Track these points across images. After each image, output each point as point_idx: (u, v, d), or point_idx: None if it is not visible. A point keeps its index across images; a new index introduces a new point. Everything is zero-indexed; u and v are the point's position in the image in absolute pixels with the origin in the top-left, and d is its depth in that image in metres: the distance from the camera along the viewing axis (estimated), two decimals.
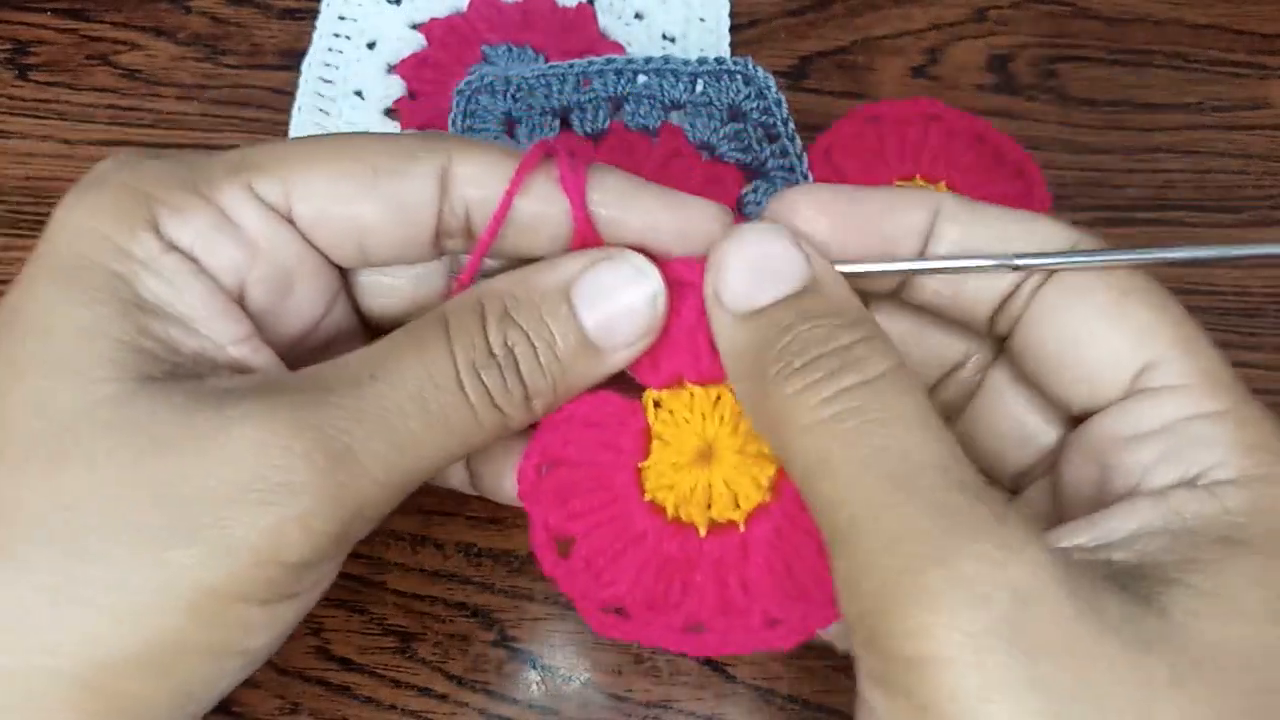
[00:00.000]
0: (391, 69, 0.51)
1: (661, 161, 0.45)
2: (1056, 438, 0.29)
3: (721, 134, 0.45)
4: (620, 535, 0.29)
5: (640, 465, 0.29)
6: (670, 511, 0.29)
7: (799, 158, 0.45)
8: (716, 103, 0.46)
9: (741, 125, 0.46)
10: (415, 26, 0.52)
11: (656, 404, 0.30)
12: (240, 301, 0.27)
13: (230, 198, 0.26)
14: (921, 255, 0.28)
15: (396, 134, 0.28)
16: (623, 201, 0.28)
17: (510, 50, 0.50)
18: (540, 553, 0.29)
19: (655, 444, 0.30)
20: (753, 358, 0.26)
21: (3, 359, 0.24)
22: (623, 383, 0.30)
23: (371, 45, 0.52)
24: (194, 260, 0.26)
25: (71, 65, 0.51)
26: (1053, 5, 0.55)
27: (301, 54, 0.51)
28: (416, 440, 0.25)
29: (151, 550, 0.22)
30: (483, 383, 0.26)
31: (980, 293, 0.28)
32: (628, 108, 0.46)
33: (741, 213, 0.44)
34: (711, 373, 0.29)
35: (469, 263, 0.28)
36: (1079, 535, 0.24)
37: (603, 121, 0.46)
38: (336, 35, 0.52)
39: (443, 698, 0.38)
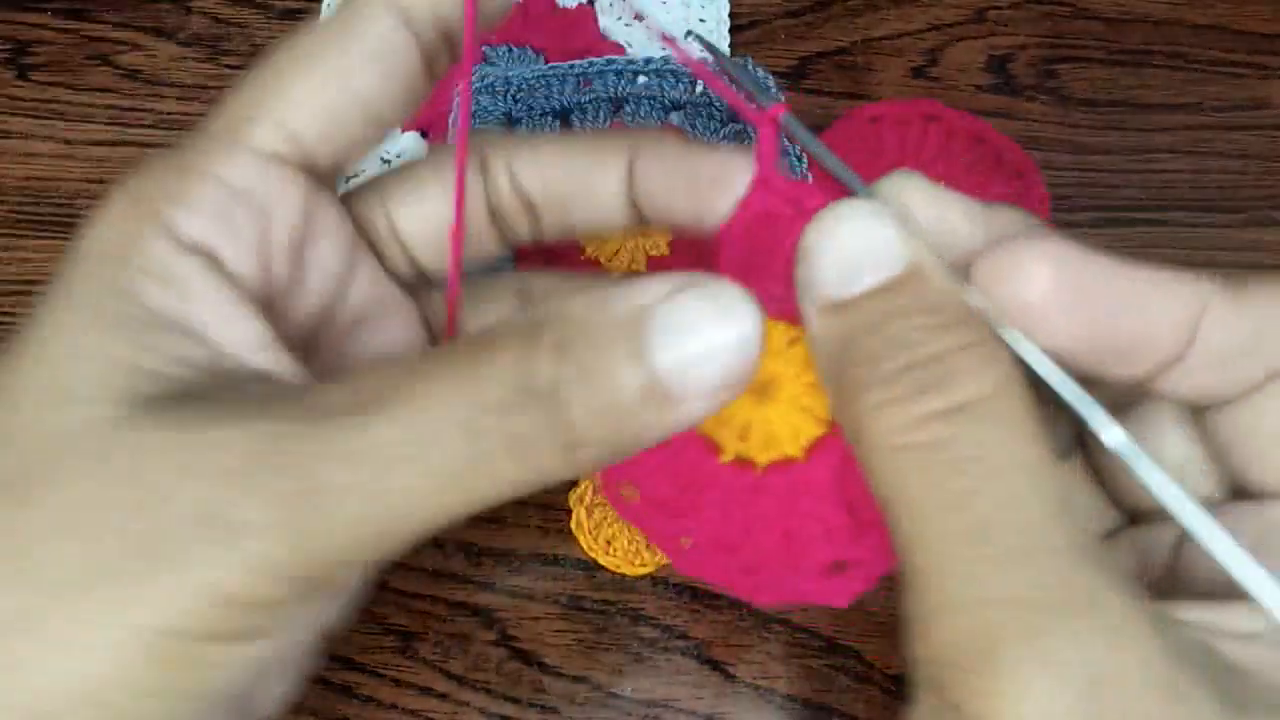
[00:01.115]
0: None
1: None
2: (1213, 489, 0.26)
3: (722, 134, 0.45)
4: (677, 475, 0.27)
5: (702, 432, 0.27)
6: (729, 449, 0.27)
7: (799, 158, 0.45)
8: (716, 103, 0.46)
9: (741, 125, 0.46)
10: None
11: None
12: (262, 285, 0.26)
13: (236, 169, 0.25)
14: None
15: (328, 16, 0.27)
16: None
17: (510, 50, 0.50)
18: (609, 497, 0.27)
19: None
20: (836, 357, 0.23)
21: (9, 387, 0.23)
22: None
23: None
24: (211, 256, 0.25)
25: (71, 65, 0.51)
26: (1053, 5, 0.55)
27: None
28: (407, 492, 0.21)
29: (105, 584, 0.21)
30: (514, 429, 0.21)
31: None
32: (628, 108, 0.46)
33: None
34: (786, 309, 0.26)
35: (464, 43, 0.27)
36: (1198, 612, 0.21)
37: (603, 122, 0.46)
38: None
39: (443, 697, 0.38)
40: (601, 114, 0.46)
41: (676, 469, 0.27)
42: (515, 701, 0.38)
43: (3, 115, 0.50)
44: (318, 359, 0.29)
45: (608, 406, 0.22)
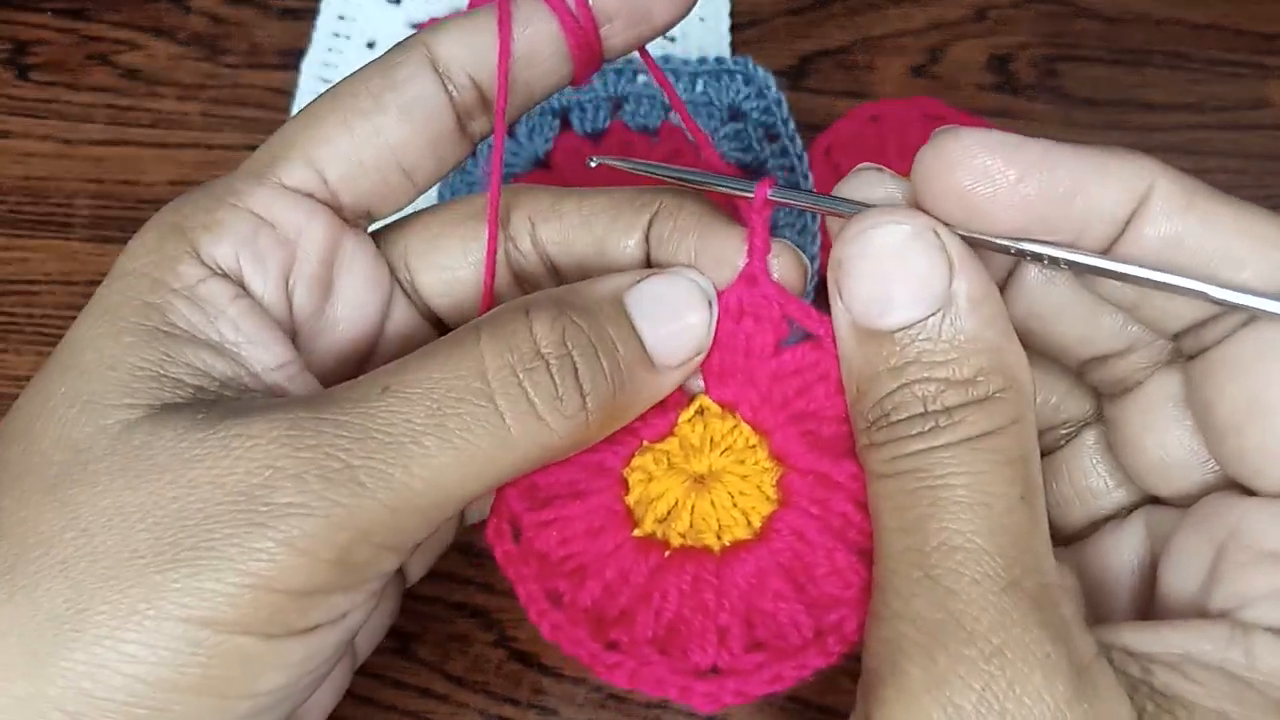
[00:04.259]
0: None
1: (661, 161, 0.45)
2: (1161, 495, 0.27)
3: (722, 134, 0.45)
4: (578, 536, 0.26)
5: (626, 501, 0.27)
6: (646, 525, 0.27)
7: (799, 157, 0.45)
8: (716, 102, 0.46)
9: (741, 125, 0.46)
10: (415, 26, 0.52)
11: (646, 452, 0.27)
12: (288, 310, 0.27)
13: (261, 200, 0.26)
14: (1110, 248, 0.23)
15: (369, 62, 0.28)
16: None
17: None
18: (532, 608, 0.25)
19: (636, 476, 0.27)
20: (858, 378, 0.24)
21: (42, 391, 0.24)
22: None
23: (371, 45, 0.52)
24: (237, 278, 0.26)
25: (71, 65, 0.51)
26: (1053, 5, 0.55)
27: (301, 54, 0.51)
28: (429, 459, 0.22)
29: (147, 577, 0.21)
30: (523, 390, 0.23)
31: (1174, 305, 0.24)
32: (628, 107, 0.46)
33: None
34: (757, 415, 0.27)
35: (496, 102, 0.27)
36: (1130, 639, 0.22)
37: (603, 121, 0.46)
38: (336, 35, 0.52)
39: (443, 698, 0.38)
40: (601, 113, 0.46)
41: (586, 525, 0.27)
42: (514, 703, 0.38)
43: (3, 115, 0.50)
44: None
45: (614, 369, 0.24)
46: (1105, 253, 0.23)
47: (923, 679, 0.21)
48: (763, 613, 0.25)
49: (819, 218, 0.43)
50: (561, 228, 0.29)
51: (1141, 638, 0.22)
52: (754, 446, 0.27)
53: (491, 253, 0.29)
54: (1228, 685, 0.21)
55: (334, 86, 0.28)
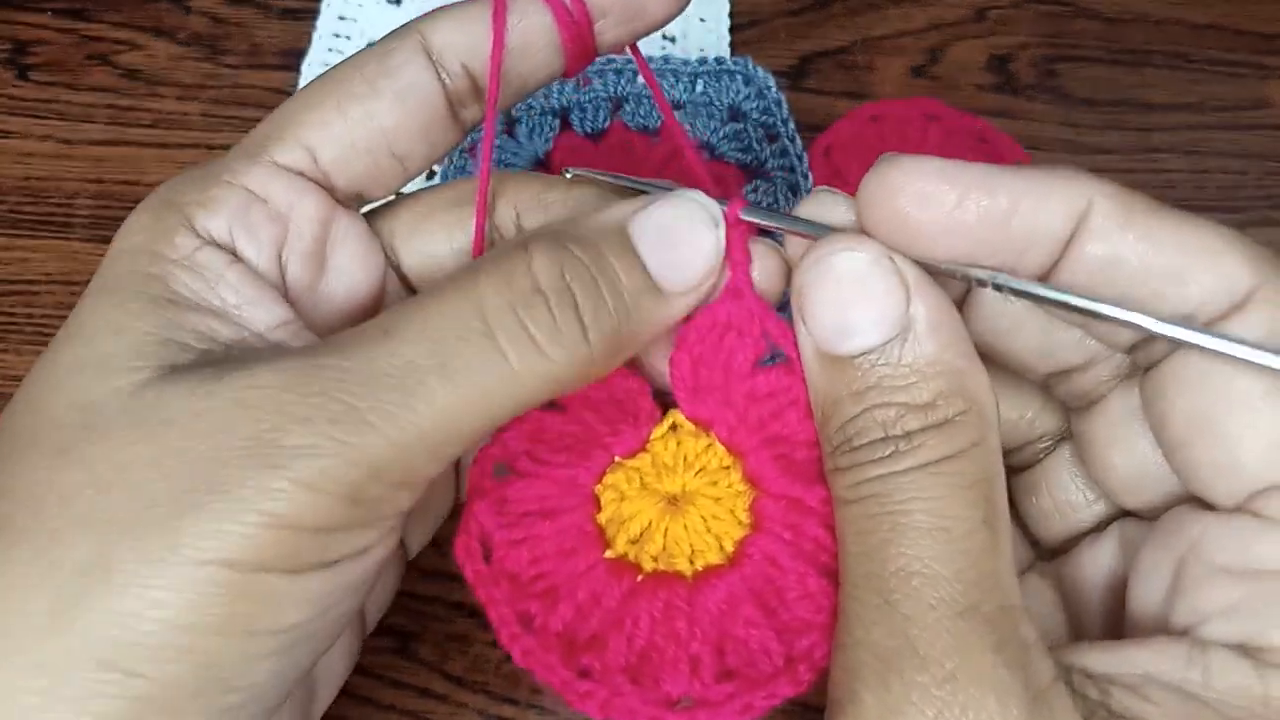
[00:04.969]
0: None
1: (661, 161, 0.45)
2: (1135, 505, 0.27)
3: (721, 134, 0.45)
4: (548, 556, 0.26)
5: (598, 520, 0.27)
6: (618, 546, 0.27)
7: (799, 158, 0.45)
8: (716, 103, 0.46)
9: (741, 125, 0.46)
10: None
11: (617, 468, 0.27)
12: (282, 283, 0.27)
13: (254, 177, 0.27)
14: (1052, 269, 0.23)
15: (364, 48, 0.29)
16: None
17: None
18: (503, 631, 0.25)
19: (608, 495, 0.27)
20: (822, 403, 0.24)
21: (50, 363, 0.25)
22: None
23: (371, 45, 0.52)
24: (231, 250, 0.26)
25: (71, 65, 0.51)
26: (1053, 5, 0.55)
27: (301, 54, 0.51)
28: (434, 397, 0.23)
29: (167, 522, 0.22)
30: (523, 325, 0.23)
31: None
32: (628, 107, 0.46)
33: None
34: (733, 436, 0.27)
35: (488, 93, 0.28)
36: (1091, 659, 0.22)
37: (603, 121, 0.46)
38: (336, 35, 0.52)
39: (442, 698, 0.38)
40: (601, 113, 0.46)
41: (557, 545, 0.26)
42: (514, 703, 0.38)
43: (3, 115, 0.50)
44: None
45: (616, 299, 0.24)
46: (1048, 274, 0.23)
47: (877, 707, 0.21)
48: (734, 640, 0.25)
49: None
50: (546, 218, 0.29)
51: (1102, 659, 0.22)
52: (727, 468, 0.27)
53: (479, 243, 0.29)
54: (1183, 706, 0.21)
55: (329, 70, 0.28)
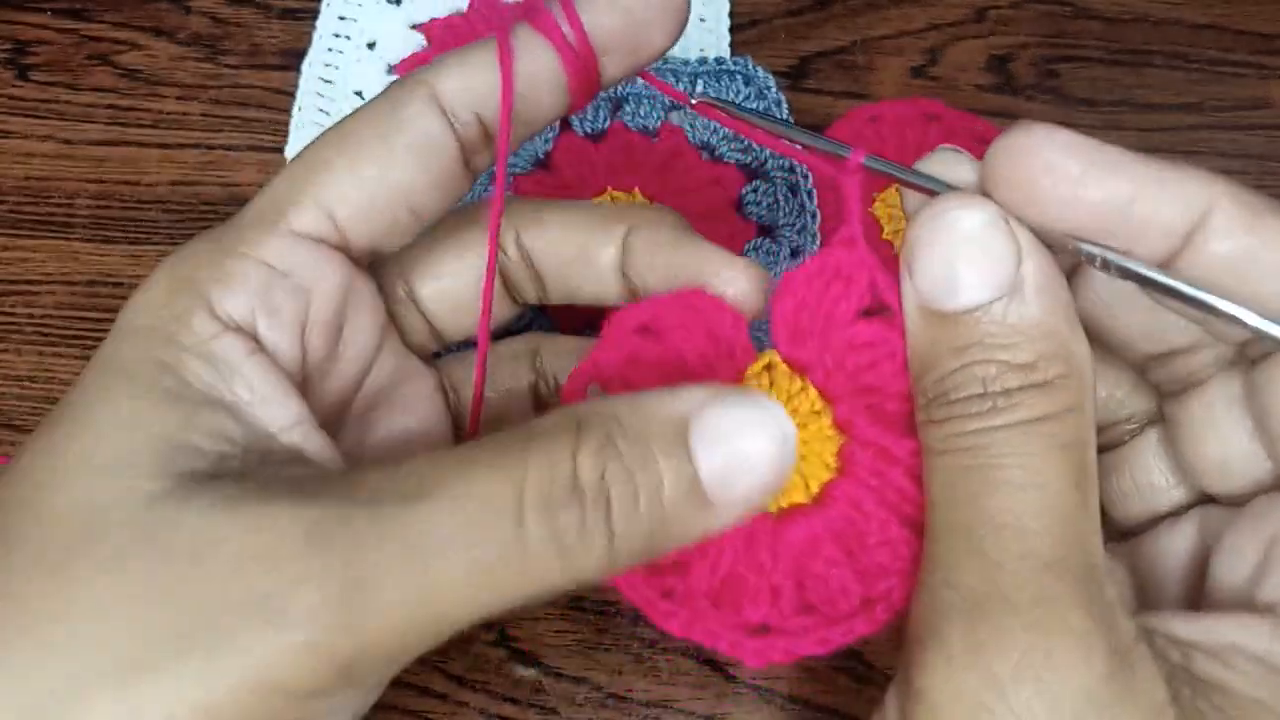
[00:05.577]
0: (391, 69, 0.51)
1: (661, 161, 0.45)
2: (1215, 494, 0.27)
3: (721, 134, 0.45)
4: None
5: None
6: None
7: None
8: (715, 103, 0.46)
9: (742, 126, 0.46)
10: (415, 26, 0.52)
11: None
12: (301, 362, 0.27)
13: (273, 249, 0.26)
14: (1171, 260, 0.23)
15: (370, 101, 0.28)
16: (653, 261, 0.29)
17: None
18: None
19: None
20: (921, 359, 0.25)
21: (50, 455, 0.23)
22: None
23: (371, 45, 0.52)
24: (252, 332, 0.25)
25: (71, 65, 0.51)
26: (1053, 5, 0.55)
27: (301, 54, 0.51)
28: (451, 587, 0.22)
29: (153, 667, 0.21)
30: (554, 528, 0.22)
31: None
32: (628, 108, 0.46)
33: (740, 214, 0.44)
34: (829, 381, 0.27)
35: (498, 142, 0.28)
36: (1174, 625, 0.23)
37: (603, 121, 0.46)
38: (336, 35, 0.52)
39: (442, 697, 0.38)
40: (601, 114, 0.46)
41: None
42: (515, 702, 0.38)
43: (3, 115, 0.50)
44: (344, 432, 0.30)
45: (652, 510, 0.23)
46: (1166, 264, 0.23)
47: (963, 645, 0.21)
48: (814, 577, 0.26)
49: (819, 219, 0.43)
50: (544, 234, 0.30)
51: (1185, 626, 0.23)
52: (818, 413, 0.27)
53: (490, 276, 0.29)
54: (1268, 676, 0.21)
55: (337, 126, 0.28)
